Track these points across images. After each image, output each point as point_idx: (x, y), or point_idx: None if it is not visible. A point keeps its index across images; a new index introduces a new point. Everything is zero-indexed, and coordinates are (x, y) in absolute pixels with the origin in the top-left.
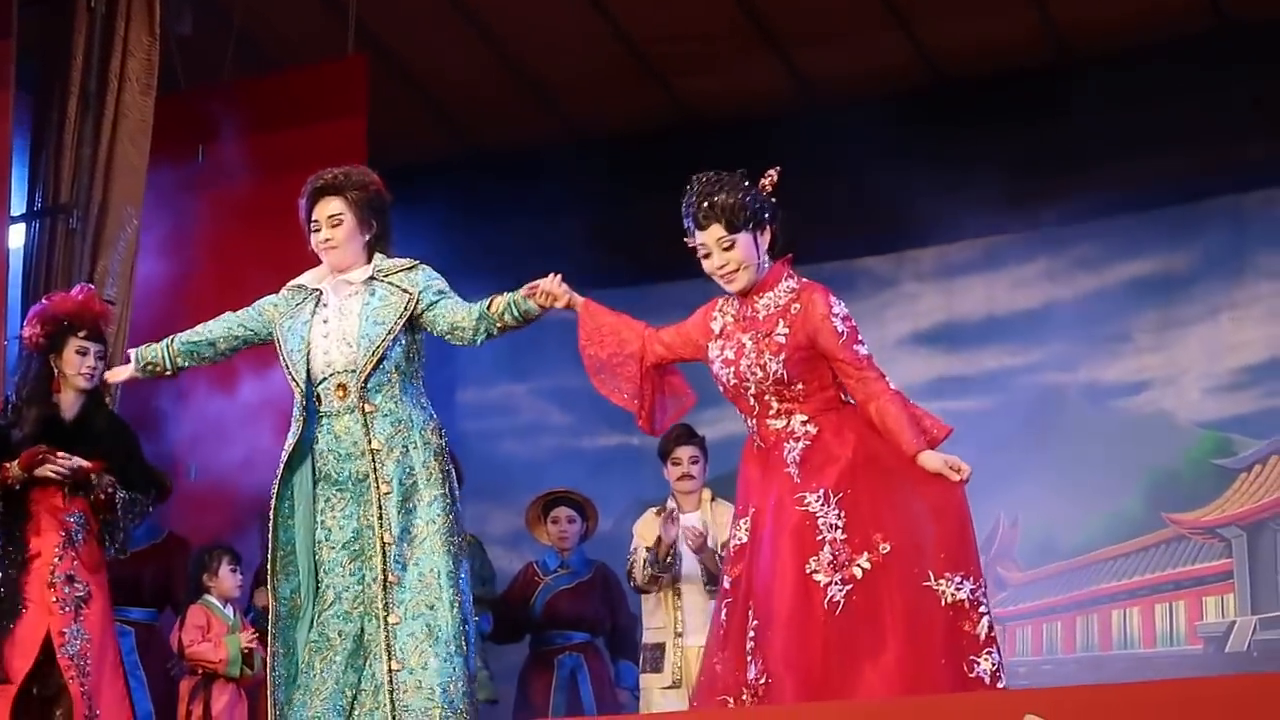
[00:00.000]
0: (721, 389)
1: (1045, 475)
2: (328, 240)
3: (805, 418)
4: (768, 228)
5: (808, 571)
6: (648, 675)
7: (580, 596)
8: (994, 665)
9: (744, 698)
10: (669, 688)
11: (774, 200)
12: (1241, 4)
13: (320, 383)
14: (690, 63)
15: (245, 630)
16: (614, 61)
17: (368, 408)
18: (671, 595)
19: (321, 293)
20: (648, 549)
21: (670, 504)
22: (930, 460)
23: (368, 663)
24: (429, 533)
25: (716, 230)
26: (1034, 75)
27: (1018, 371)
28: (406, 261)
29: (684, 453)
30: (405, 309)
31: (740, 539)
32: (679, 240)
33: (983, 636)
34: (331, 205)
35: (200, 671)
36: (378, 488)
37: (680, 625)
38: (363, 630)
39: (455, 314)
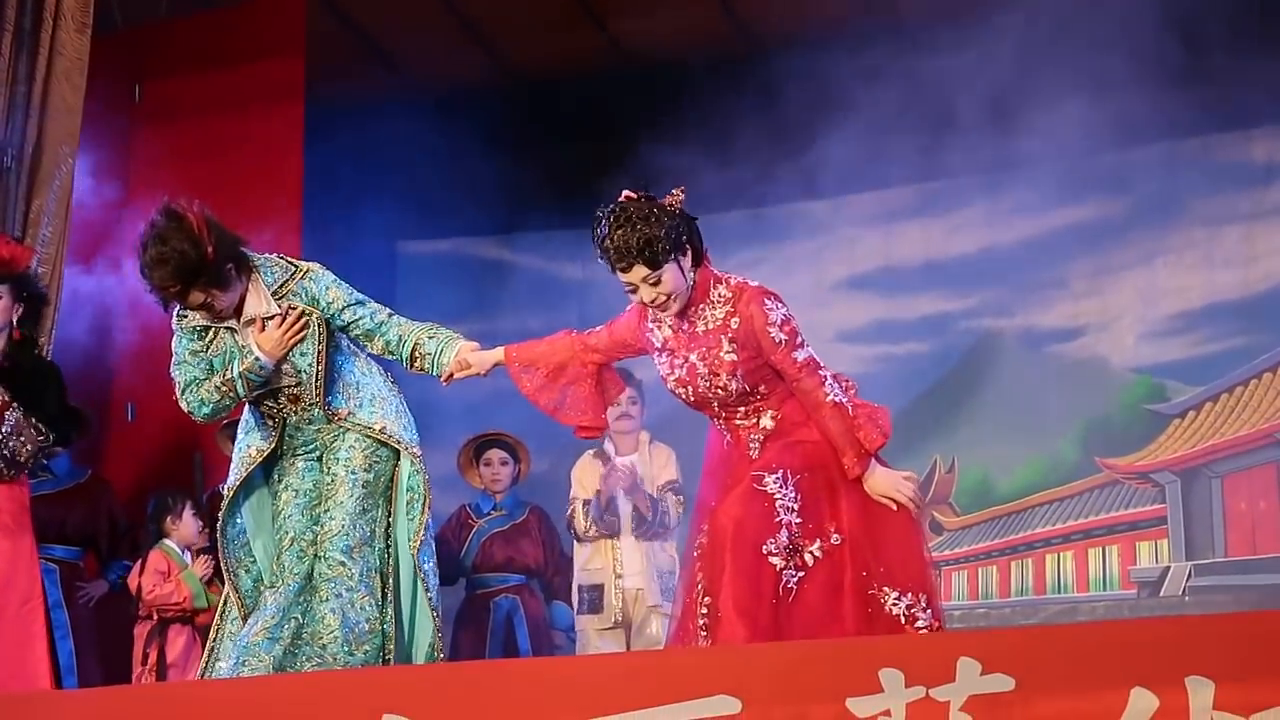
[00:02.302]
0: (681, 402)
1: (981, 420)
2: (210, 317)
3: (773, 412)
4: (687, 248)
5: (764, 552)
6: (585, 616)
7: (514, 539)
8: None
9: None
10: (609, 629)
11: (683, 215)
12: None
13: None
14: (626, 3)
15: (196, 562)
16: (553, 2)
17: (339, 411)
18: (609, 537)
19: (234, 330)
20: (585, 501)
21: (607, 445)
22: (875, 485)
23: (313, 601)
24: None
25: (640, 270)
26: (961, 21)
27: (955, 316)
28: (291, 268)
29: (622, 394)
30: (320, 330)
31: (704, 541)
32: (613, 184)
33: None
34: (196, 296)
35: (155, 615)
36: (410, 453)
37: (619, 566)
38: (312, 569)
39: (375, 342)
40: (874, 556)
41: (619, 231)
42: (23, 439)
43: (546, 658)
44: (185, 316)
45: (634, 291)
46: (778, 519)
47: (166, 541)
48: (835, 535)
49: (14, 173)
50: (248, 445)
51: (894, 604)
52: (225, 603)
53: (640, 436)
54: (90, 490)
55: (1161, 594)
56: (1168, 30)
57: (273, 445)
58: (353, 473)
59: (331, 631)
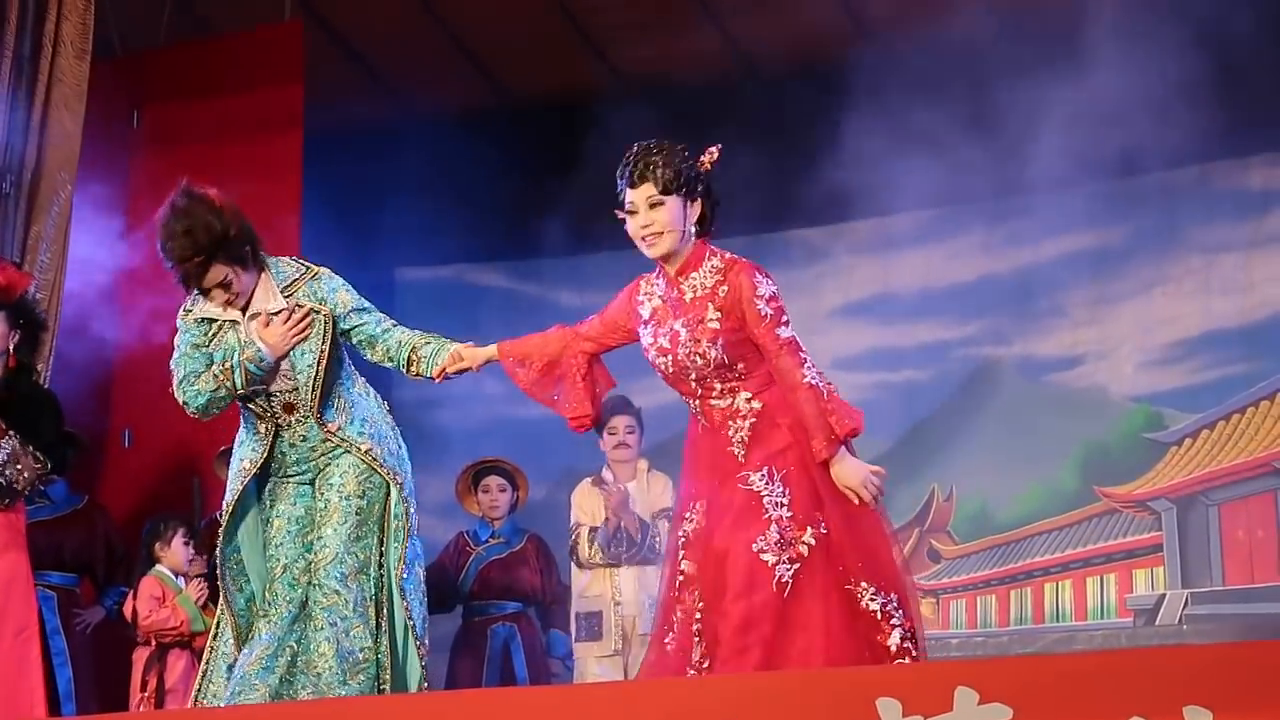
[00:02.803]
0: (660, 375)
1: (979, 448)
2: (226, 300)
3: (749, 394)
4: (699, 201)
5: (755, 550)
6: (583, 643)
7: (512, 566)
8: None
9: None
10: (608, 656)
11: (709, 177)
12: None
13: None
14: (625, 31)
15: (190, 585)
16: (550, 29)
17: (330, 425)
18: (614, 565)
19: (237, 323)
20: (591, 529)
21: (605, 473)
22: (842, 473)
23: (307, 630)
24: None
25: (648, 189)
26: (961, 46)
27: (952, 344)
28: (302, 268)
29: (620, 422)
30: (326, 331)
31: (688, 530)
32: (612, 209)
33: (894, 648)
34: (216, 272)
35: (154, 641)
36: (393, 479)
37: (618, 594)
38: (306, 597)
39: (375, 349)
40: (852, 552)
41: (647, 148)
42: (19, 467)
43: (544, 686)
44: (190, 311)
45: (633, 214)
46: (766, 515)
47: (159, 567)
48: (823, 525)
49: (13, 198)
50: (240, 459)
51: (870, 600)
52: (219, 623)
53: (639, 464)
54: (87, 517)
55: (1158, 622)
56: (1165, 59)
57: (264, 456)
58: (346, 499)
59: (326, 661)
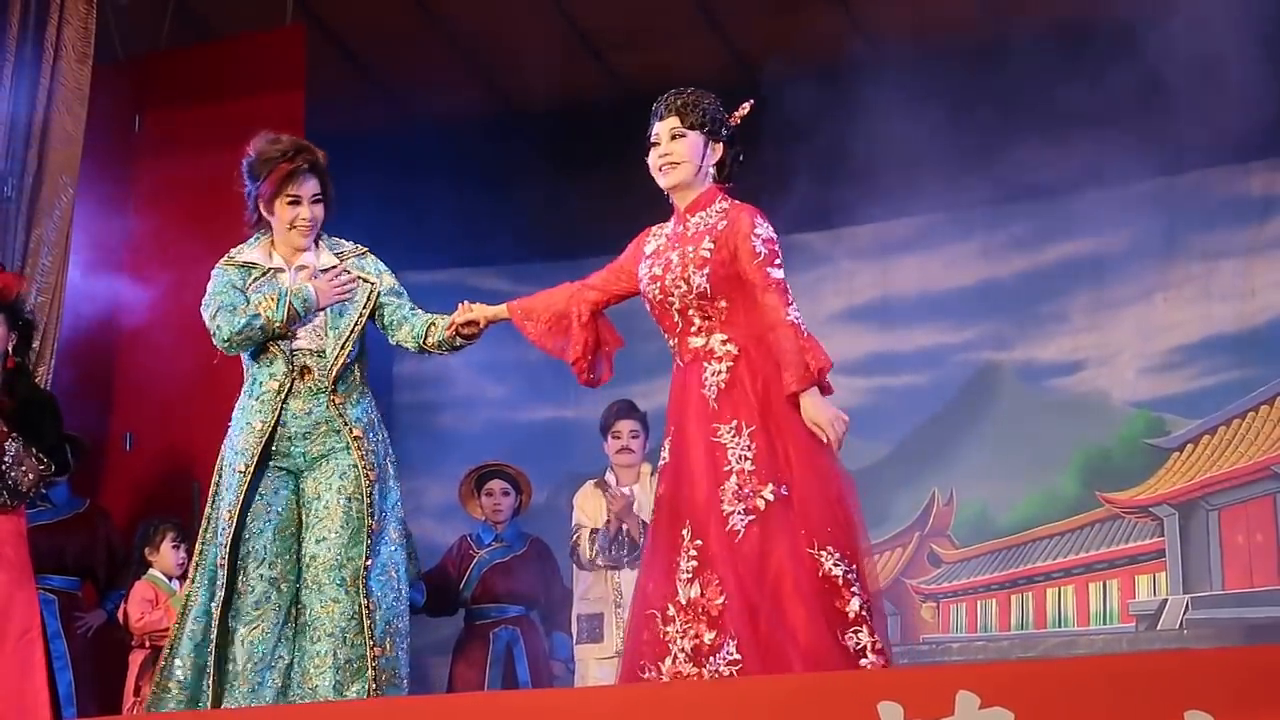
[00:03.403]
0: (648, 307)
1: (980, 453)
2: (308, 220)
3: (725, 337)
4: (721, 144)
5: (716, 498)
6: (585, 645)
7: (515, 570)
8: (862, 644)
9: (669, 613)
10: (609, 658)
11: (736, 129)
12: None
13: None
14: (625, 35)
15: (182, 586)
16: (550, 33)
17: (336, 397)
18: (614, 568)
19: (282, 271)
20: (592, 530)
21: (609, 476)
22: (810, 409)
23: (303, 641)
24: (395, 519)
25: (672, 121)
26: (965, 49)
27: (953, 349)
28: (357, 246)
29: (624, 426)
30: (369, 299)
31: (664, 458)
32: (613, 215)
33: (852, 615)
34: (312, 184)
35: (149, 645)
36: (366, 474)
37: (619, 596)
38: (291, 602)
39: (401, 329)
40: (817, 516)
41: (681, 89)
42: (24, 469)
43: (547, 689)
44: (233, 257)
45: (655, 145)
46: (727, 468)
47: (152, 571)
48: (784, 486)
49: (14, 202)
50: (246, 423)
51: (834, 566)
52: (189, 597)
53: (642, 469)
54: (89, 520)
55: (1159, 627)
56: (1164, 64)
57: (272, 424)
58: (346, 499)
59: (323, 672)
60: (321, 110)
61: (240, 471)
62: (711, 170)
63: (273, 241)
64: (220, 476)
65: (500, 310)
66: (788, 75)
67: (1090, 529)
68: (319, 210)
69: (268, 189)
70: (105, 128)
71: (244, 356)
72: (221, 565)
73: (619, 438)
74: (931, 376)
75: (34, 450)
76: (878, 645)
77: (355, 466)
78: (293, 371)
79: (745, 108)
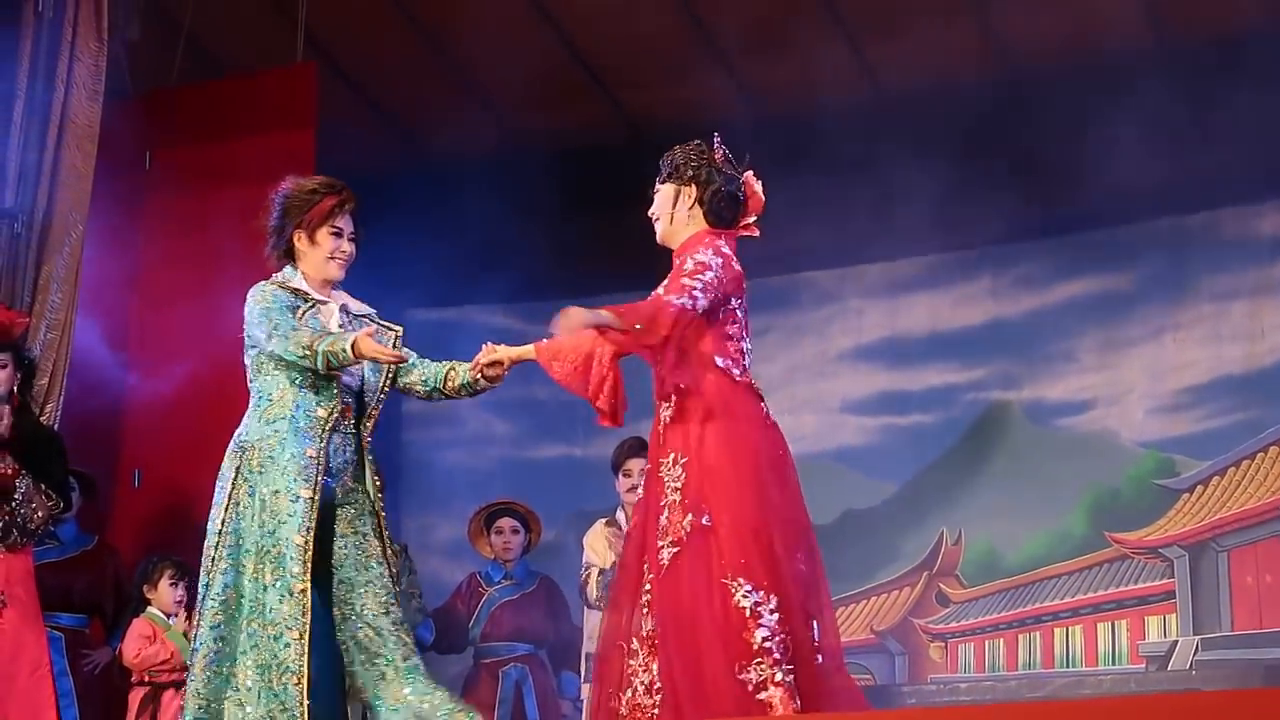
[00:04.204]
0: None
1: (988, 493)
2: (346, 254)
3: (671, 371)
4: (692, 186)
5: (656, 531)
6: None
7: (524, 608)
8: (762, 677)
9: (633, 646)
10: None
11: (711, 168)
12: (1180, 23)
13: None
14: (633, 73)
15: (179, 620)
16: (561, 72)
17: (364, 441)
18: None
19: (325, 304)
20: (601, 570)
21: (619, 515)
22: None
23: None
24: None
25: (658, 181)
26: (977, 92)
27: (961, 389)
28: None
29: (635, 465)
30: (394, 347)
31: (639, 494)
32: (621, 252)
33: (755, 647)
34: (351, 222)
35: (148, 681)
36: (376, 514)
37: None
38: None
39: (411, 374)
40: (734, 549)
41: (673, 148)
42: (34, 506)
43: None
44: (282, 284)
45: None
46: (663, 501)
47: (150, 609)
48: (706, 517)
49: (24, 239)
50: (300, 449)
51: (743, 597)
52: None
53: None
54: (97, 557)
55: (1169, 668)
56: (1175, 104)
57: (324, 449)
58: (380, 540)
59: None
60: (332, 147)
61: (307, 498)
62: (695, 213)
63: (304, 275)
64: (244, 503)
65: (526, 351)
66: (796, 112)
67: (1099, 569)
68: (352, 249)
69: (315, 217)
70: (116, 164)
71: (280, 378)
72: (304, 591)
73: (629, 476)
74: (940, 416)
75: (43, 488)
76: (778, 679)
77: (373, 513)
78: (337, 406)
79: (719, 146)
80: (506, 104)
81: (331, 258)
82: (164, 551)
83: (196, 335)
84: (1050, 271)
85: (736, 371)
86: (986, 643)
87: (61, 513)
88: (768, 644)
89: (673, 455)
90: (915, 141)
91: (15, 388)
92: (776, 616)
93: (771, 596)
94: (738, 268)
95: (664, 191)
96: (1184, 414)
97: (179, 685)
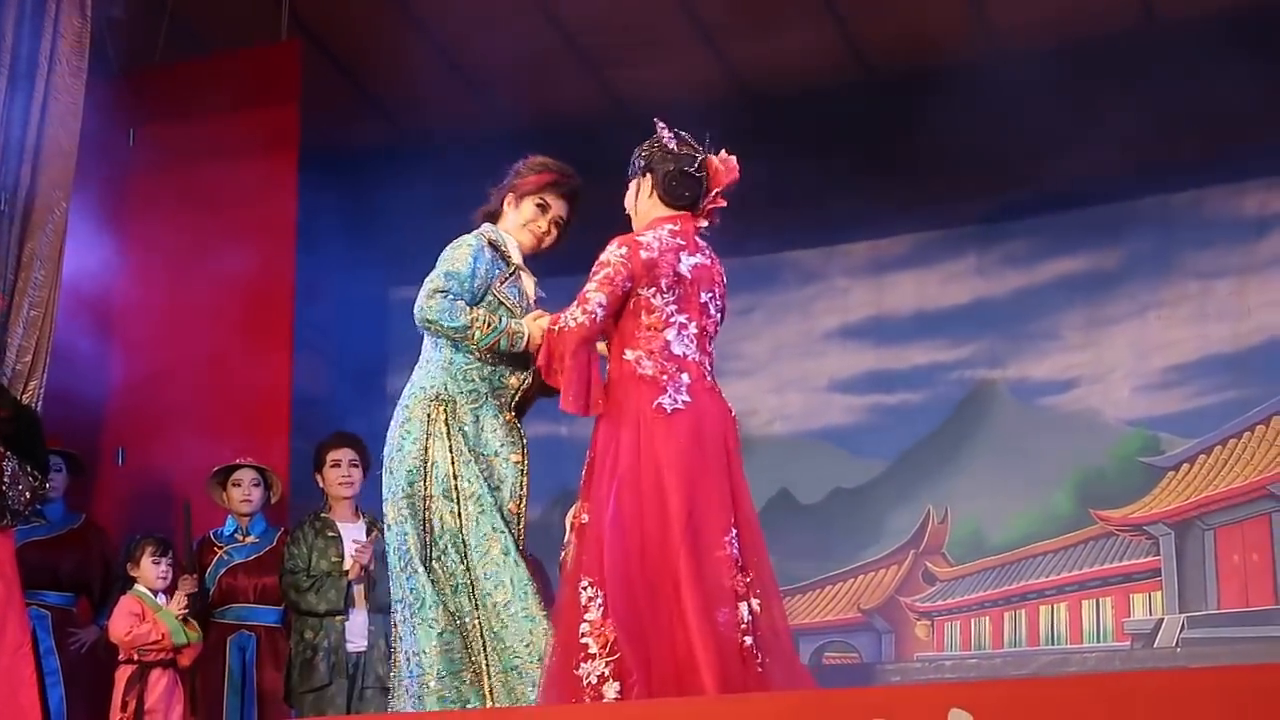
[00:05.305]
0: None
1: (974, 471)
2: (543, 230)
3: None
4: (647, 176)
5: None
6: None
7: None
8: (594, 671)
9: None
10: None
11: (658, 147)
12: (1168, 2)
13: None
14: (621, 52)
15: (172, 600)
16: (546, 50)
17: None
18: None
19: (524, 272)
20: None
21: None
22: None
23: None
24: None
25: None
26: (960, 71)
27: (947, 367)
28: None
29: None
30: None
31: None
32: (602, 229)
33: (582, 641)
34: (564, 208)
35: (136, 659)
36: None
37: None
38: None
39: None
40: (590, 545)
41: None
42: (20, 486)
43: (546, 706)
44: (494, 242)
45: None
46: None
47: (138, 586)
48: (584, 515)
49: (7, 216)
50: (497, 415)
51: (584, 590)
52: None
53: None
54: (84, 536)
55: (1155, 646)
56: (1160, 84)
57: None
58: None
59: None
60: (317, 124)
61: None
62: (654, 200)
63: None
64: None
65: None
66: (781, 92)
67: (1084, 547)
68: (555, 233)
69: (531, 183)
70: (99, 142)
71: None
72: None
73: None
74: (926, 394)
75: (28, 468)
76: (601, 672)
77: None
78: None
79: (660, 127)
80: (490, 82)
81: (526, 226)
82: (148, 529)
83: (179, 313)
84: (1036, 250)
85: (648, 363)
86: (972, 620)
87: (46, 492)
88: (585, 639)
89: (589, 458)
90: (900, 119)
91: None
92: (602, 610)
93: (601, 591)
94: (650, 255)
95: (630, 188)
96: (1170, 392)
97: (166, 664)
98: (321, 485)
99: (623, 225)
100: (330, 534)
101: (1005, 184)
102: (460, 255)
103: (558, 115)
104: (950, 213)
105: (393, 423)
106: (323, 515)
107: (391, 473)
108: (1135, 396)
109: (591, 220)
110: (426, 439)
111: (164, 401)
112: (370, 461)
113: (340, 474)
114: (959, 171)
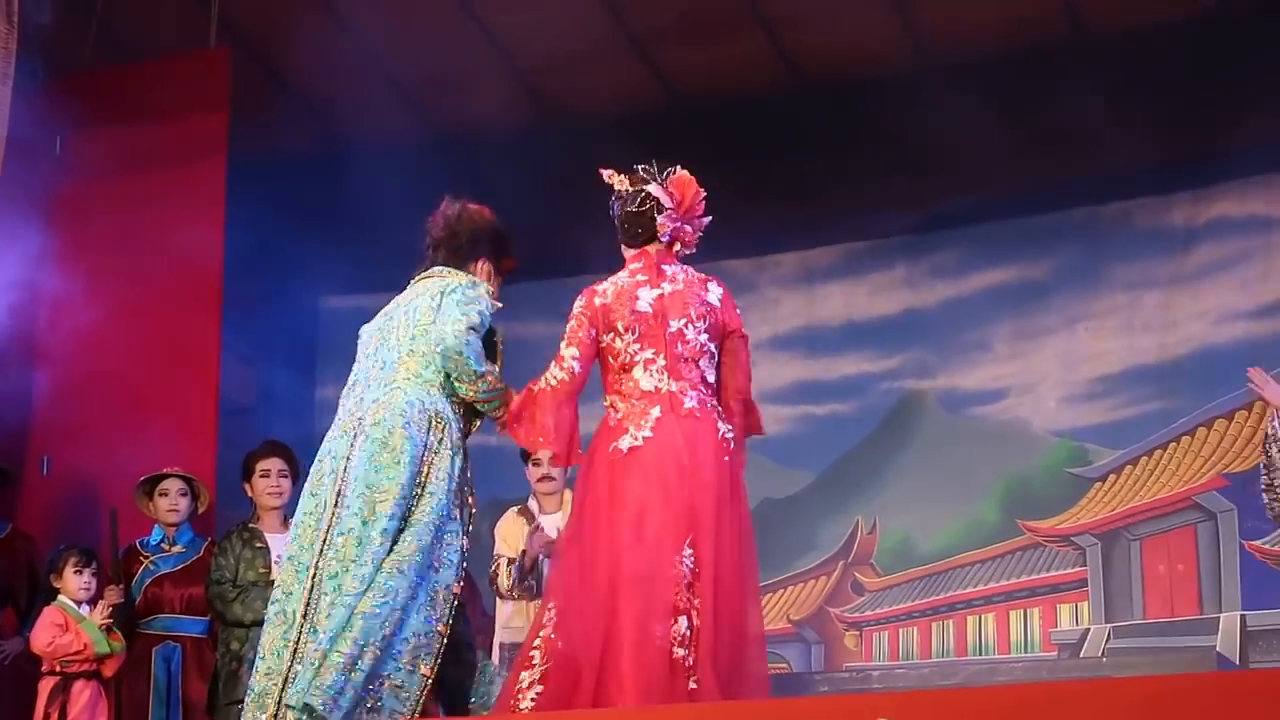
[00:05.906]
0: None
1: (903, 481)
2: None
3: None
4: (617, 226)
5: None
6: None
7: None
8: (522, 681)
9: None
10: None
11: (612, 196)
12: (1097, 14)
13: None
14: (549, 60)
15: (95, 610)
16: (481, 60)
17: None
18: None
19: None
20: (510, 560)
21: (531, 503)
22: None
23: None
24: None
25: None
26: (893, 81)
27: (877, 378)
28: None
29: (545, 454)
30: None
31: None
32: (536, 238)
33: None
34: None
35: (60, 671)
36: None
37: None
38: None
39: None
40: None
41: None
42: None
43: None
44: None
45: None
46: None
47: (62, 598)
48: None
49: None
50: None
51: (548, 610)
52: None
53: (564, 495)
54: (10, 546)
55: (1081, 656)
56: (1089, 96)
57: None
58: None
59: None
60: (246, 131)
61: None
62: (623, 244)
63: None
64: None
65: None
66: (713, 103)
67: (1012, 557)
68: None
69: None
70: (26, 148)
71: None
72: None
73: (539, 465)
74: (855, 405)
75: None
76: (533, 680)
77: None
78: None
79: (607, 175)
80: (420, 90)
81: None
82: (74, 538)
83: (104, 322)
84: (965, 261)
85: (621, 406)
86: (900, 630)
87: None
88: (532, 651)
89: None
90: (830, 129)
91: None
92: (554, 624)
93: (550, 605)
94: (604, 301)
95: None
96: (1097, 403)
97: (89, 675)
98: (250, 495)
99: (555, 233)
100: (258, 544)
101: (935, 195)
102: (485, 301)
103: (487, 123)
104: (880, 223)
105: (381, 431)
106: (250, 525)
107: (390, 474)
108: (1063, 407)
109: (519, 230)
110: (425, 451)
111: (90, 410)
112: (300, 471)
113: (270, 484)
114: (889, 182)
